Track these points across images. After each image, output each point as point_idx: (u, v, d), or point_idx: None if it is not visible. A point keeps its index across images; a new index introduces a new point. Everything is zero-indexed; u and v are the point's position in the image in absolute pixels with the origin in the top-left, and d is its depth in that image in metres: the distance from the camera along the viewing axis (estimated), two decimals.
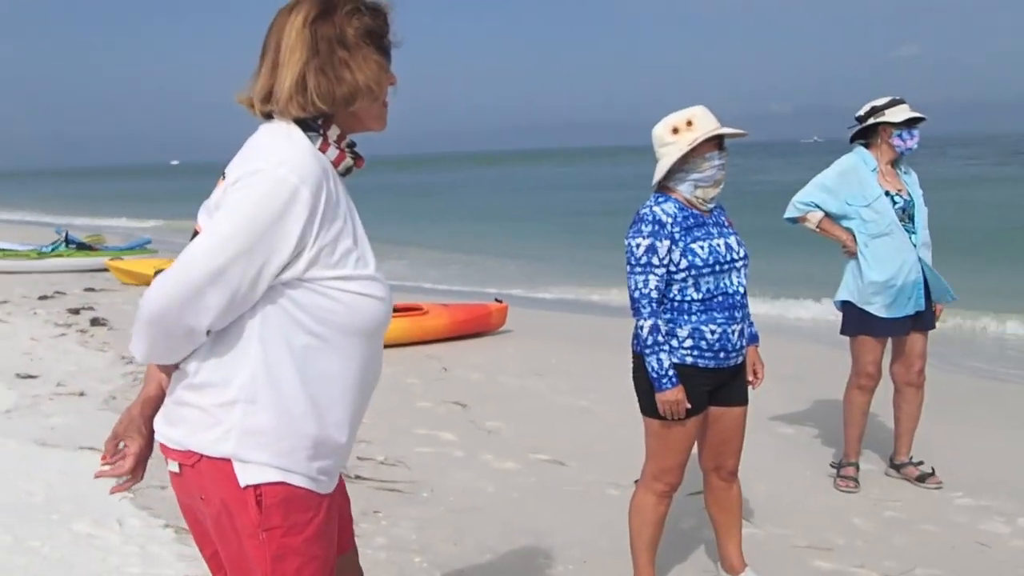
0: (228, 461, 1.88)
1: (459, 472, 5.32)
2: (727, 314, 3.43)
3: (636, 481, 5.03)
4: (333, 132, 1.97)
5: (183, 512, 2.08)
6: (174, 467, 1.97)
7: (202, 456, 1.90)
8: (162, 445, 2.00)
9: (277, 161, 1.83)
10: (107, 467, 2.03)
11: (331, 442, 1.96)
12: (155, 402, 2.05)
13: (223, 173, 1.94)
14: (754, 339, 3.66)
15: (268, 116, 1.97)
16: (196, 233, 1.91)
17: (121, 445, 2.03)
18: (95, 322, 10.20)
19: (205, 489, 1.92)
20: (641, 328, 3.41)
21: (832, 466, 5.29)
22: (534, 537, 4.37)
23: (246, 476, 1.88)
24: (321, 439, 1.93)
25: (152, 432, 2.04)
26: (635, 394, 3.59)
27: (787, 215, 5.07)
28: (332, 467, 2.00)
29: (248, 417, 1.88)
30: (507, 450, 5.70)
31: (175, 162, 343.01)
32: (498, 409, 6.67)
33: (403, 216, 28.97)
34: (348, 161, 1.99)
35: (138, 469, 2.04)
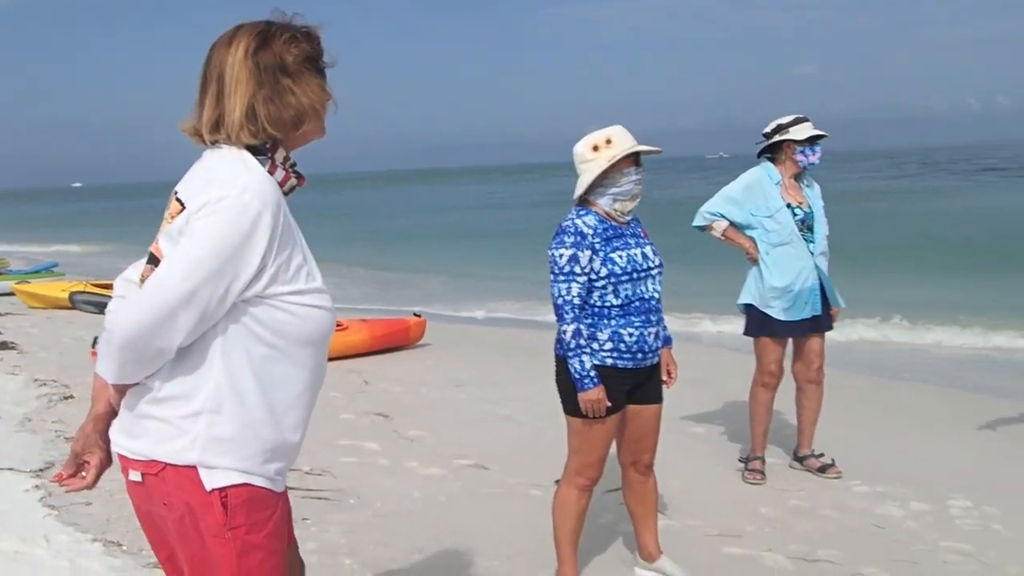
0: (194, 468, 2.00)
1: (385, 479, 5.47)
2: (644, 318, 3.68)
3: (557, 481, 5.27)
4: (280, 155, 2.10)
5: (140, 519, 2.18)
6: (135, 476, 2.07)
7: (167, 465, 2.01)
8: (122, 457, 2.10)
9: (241, 187, 1.95)
10: (71, 482, 2.17)
11: (287, 444, 2.10)
12: (106, 418, 2.16)
13: (175, 197, 2.06)
14: (668, 341, 3.92)
15: (214, 144, 2.08)
16: (153, 256, 2.04)
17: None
18: (4, 345, 10.01)
19: (169, 495, 2.03)
20: (564, 332, 3.63)
21: (740, 460, 5.62)
22: (461, 537, 4.55)
23: (212, 481, 2.00)
24: (278, 442, 2.07)
25: (108, 445, 2.15)
26: (558, 396, 3.81)
27: (695, 223, 5.39)
28: (286, 467, 2.14)
29: (213, 427, 2.00)
30: (431, 457, 5.87)
31: (77, 184, 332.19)
32: (420, 419, 6.84)
33: (319, 235, 28.79)
34: (292, 181, 2.13)
35: (97, 481, 2.19)
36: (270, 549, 2.07)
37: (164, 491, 2.03)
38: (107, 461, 2.18)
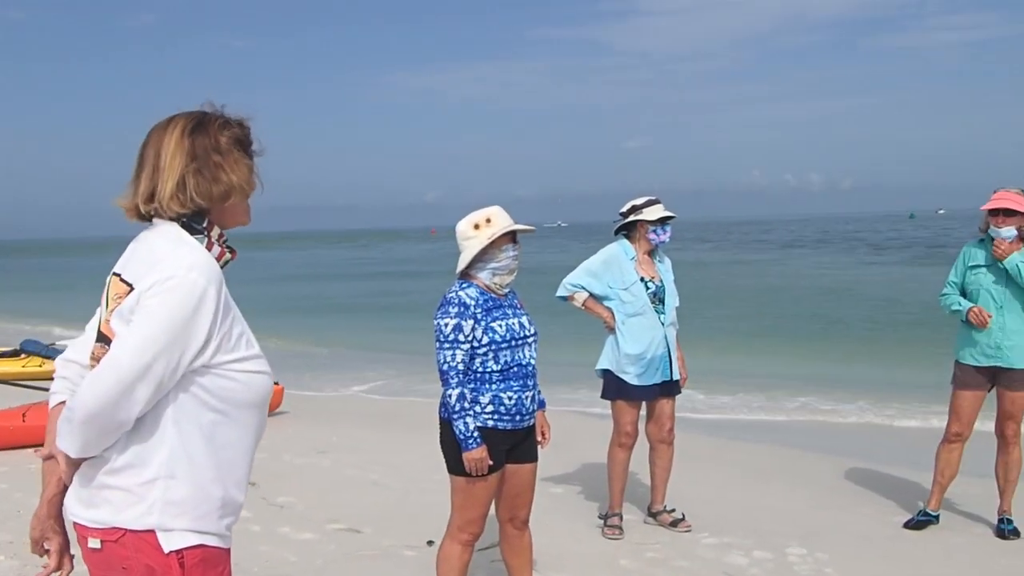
0: (152, 532, 2.15)
1: (259, 545, 5.53)
2: (521, 382, 4.02)
3: (430, 542, 5.53)
4: (215, 232, 2.29)
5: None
6: (95, 544, 2.19)
7: (127, 531, 2.15)
8: (81, 526, 2.22)
9: (187, 267, 2.13)
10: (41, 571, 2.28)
11: (234, 500, 2.28)
12: (58, 500, 2.28)
13: (119, 279, 2.23)
14: (542, 404, 4.26)
15: (148, 217, 2.26)
16: (103, 335, 2.21)
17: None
18: None
19: (128, 560, 2.16)
20: (449, 396, 3.93)
21: (599, 517, 6.00)
22: None
23: (169, 543, 2.16)
24: (227, 499, 2.25)
25: (63, 526, 2.29)
26: (442, 456, 4.08)
27: (558, 294, 5.82)
28: (233, 522, 2.32)
29: (169, 491, 2.15)
30: (303, 522, 5.97)
31: None
32: (287, 485, 6.91)
33: None
34: (227, 255, 2.31)
35: (65, 561, 2.29)
36: None
37: (124, 556, 2.17)
38: (66, 543, 2.30)
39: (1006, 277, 5.62)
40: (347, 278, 40.32)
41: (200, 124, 2.27)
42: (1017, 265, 5.53)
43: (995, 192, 5.79)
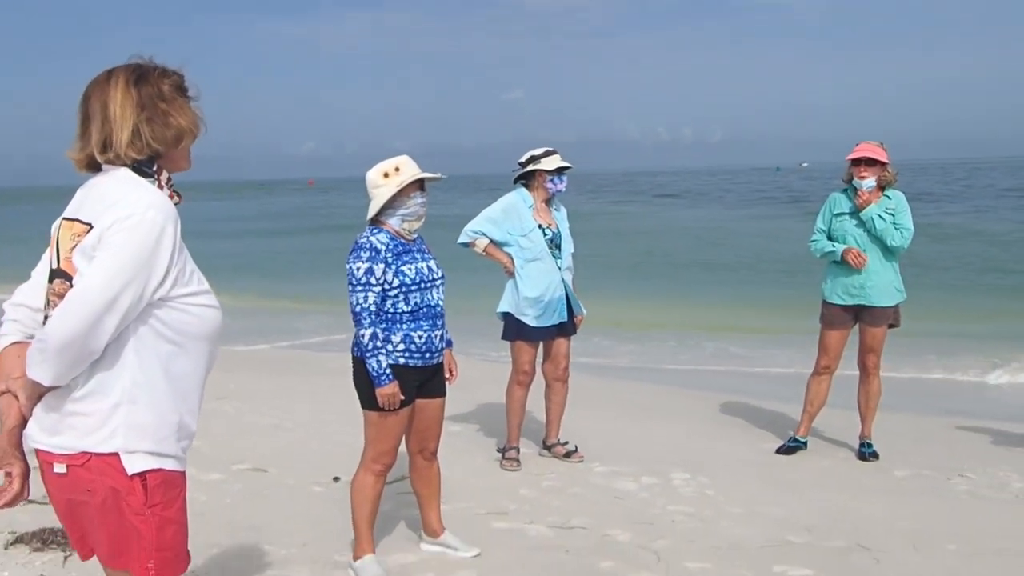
0: (116, 455, 2.32)
1: None
2: (431, 322, 4.26)
3: (336, 479, 5.75)
4: (164, 176, 2.43)
5: (59, 507, 2.48)
6: (60, 468, 2.35)
7: (92, 455, 2.32)
8: (45, 453, 2.37)
9: (146, 205, 2.28)
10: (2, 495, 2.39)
11: (188, 426, 2.48)
12: (18, 430, 2.40)
13: (76, 220, 2.35)
14: (449, 344, 4.51)
15: (99, 166, 2.40)
16: (63, 272, 2.33)
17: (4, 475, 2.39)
18: None
19: (93, 482, 2.33)
20: (363, 336, 4.14)
21: (498, 451, 6.32)
22: (255, 532, 4.87)
23: (132, 466, 2.33)
24: (183, 425, 2.44)
25: (23, 454, 2.41)
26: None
27: (459, 240, 6.06)
28: (188, 446, 2.52)
29: (131, 416, 2.32)
30: (209, 464, 6.07)
31: None
32: None
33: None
34: (175, 198, 2.44)
35: (24, 487, 2.41)
36: (180, 522, 2.48)
37: (88, 479, 2.34)
38: (27, 468, 2.42)
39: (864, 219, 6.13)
40: (230, 236, 39.51)
41: (142, 75, 2.40)
42: (872, 217, 6.06)
43: (858, 144, 6.28)
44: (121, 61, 2.47)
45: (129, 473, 2.33)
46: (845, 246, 6.14)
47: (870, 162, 6.12)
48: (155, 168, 2.42)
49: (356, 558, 4.34)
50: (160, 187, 2.41)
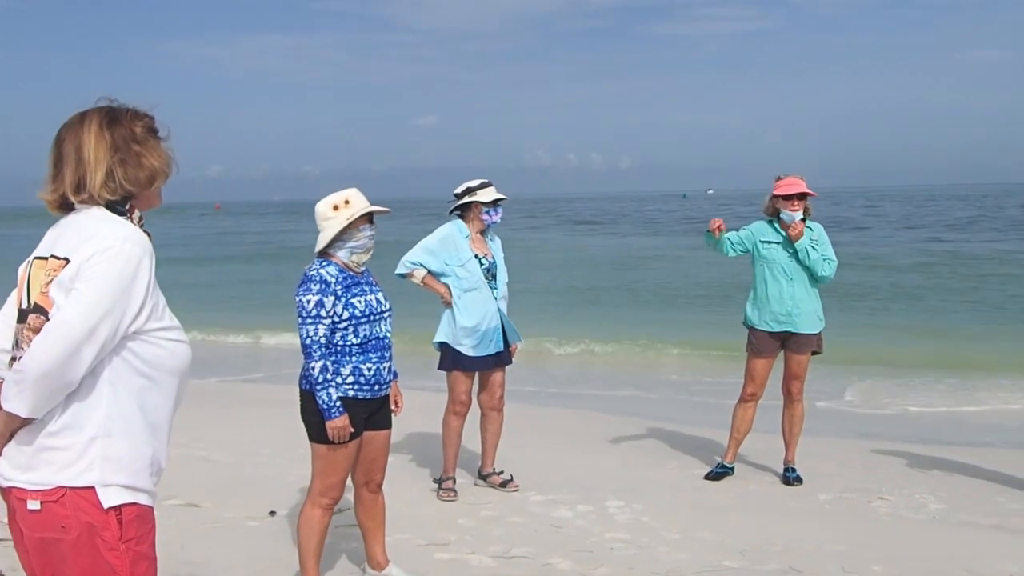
0: (92, 489, 2.32)
1: None
2: (379, 354, 4.28)
3: (272, 513, 5.70)
4: (136, 216, 2.49)
5: (30, 546, 2.42)
6: (34, 505, 2.34)
7: (67, 489, 2.32)
8: (18, 490, 2.36)
9: (123, 238, 2.34)
10: None
11: (160, 461, 2.50)
12: None
13: (50, 256, 2.39)
14: (395, 375, 4.53)
15: (72, 206, 2.44)
16: (38, 307, 2.35)
17: None
18: None
19: (67, 518, 2.33)
20: (312, 368, 4.13)
21: (434, 481, 6.33)
22: (194, 567, 4.80)
23: (108, 500, 2.34)
24: (155, 458, 2.47)
25: None
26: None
27: (397, 271, 6.08)
28: (158, 481, 2.53)
29: (107, 448, 2.34)
30: None
31: None
32: None
33: None
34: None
35: None
36: (152, 557, 2.48)
37: (63, 515, 2.33)
38: None
39: (796, 253, 6.36)
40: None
41: (114, 118, 2.45)
42: (805, 248, 6.30)
43: (780, 179, 6.50)
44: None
45: (105, 507, 2.34)
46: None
47: (801, 196, 6.36)
48: (128, 207, 2.47)
49: None
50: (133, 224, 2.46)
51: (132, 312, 2.33)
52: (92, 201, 2.42)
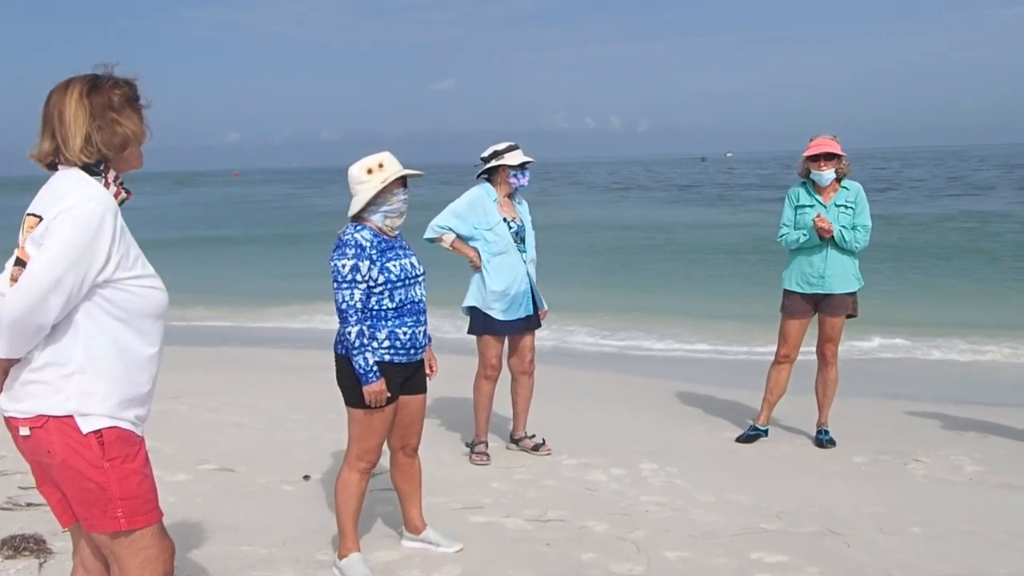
0: (71, 417, 2.59)
1: None
2: (414, 319, 4.25)
3: (306, 477, 5.72)
4: (111, 175, 2.72)
5: (33, 469, 2.77)
6: (25, 432, 2.64)
7: (49, 418, 2.59)
8: (12, 419, 2.67)
9: (87, 197, 2.57)
10: None
11: (140, 395, 2.72)
12: None
13: (29, 215, 2.64)
14: (430, 340, 4.51)
15: (55, 166, 2.69)
16: (20, 260, 2.61)
17: None
18: None
19: (51, 443, 2.60)
20: (349, 334, 4.11)
21: (466, 445, 6.34)
22: (231, 531, 4.83)
23: (87, 426, 2.59)
24: (134, 394, 2.69)
25: None
26: (339, 390, 4.27)
27: (426, 236, 6.04)
28: (144, 414, 2.77)
29: (83, 384, 2.60)
30: (173, 465, 5.99)
31: None
32: (149, 431, 6.81)
33: None
34: (123, 195, 2.75)
35: None
36: (144, 473, 2.74)
37: (48, 440, 2.61)
38: None
39: (829, 214, 6.27)
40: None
41: (95, 86, 2.68)
42: (841, 232, 6.20)
43: (812, 140, 6.42)
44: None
45: (84, 432, 2.59)
46: (806, 227, 6.25)
47: (828, 156, 6.27)
48: (103, 168, 2.71)
49: (341, 556, 4.32)
50: (107, 184, 2.69)
51: (98, 264, 2.56)
52: (70, 163, 2.66)
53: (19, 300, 2.50)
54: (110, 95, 2.67)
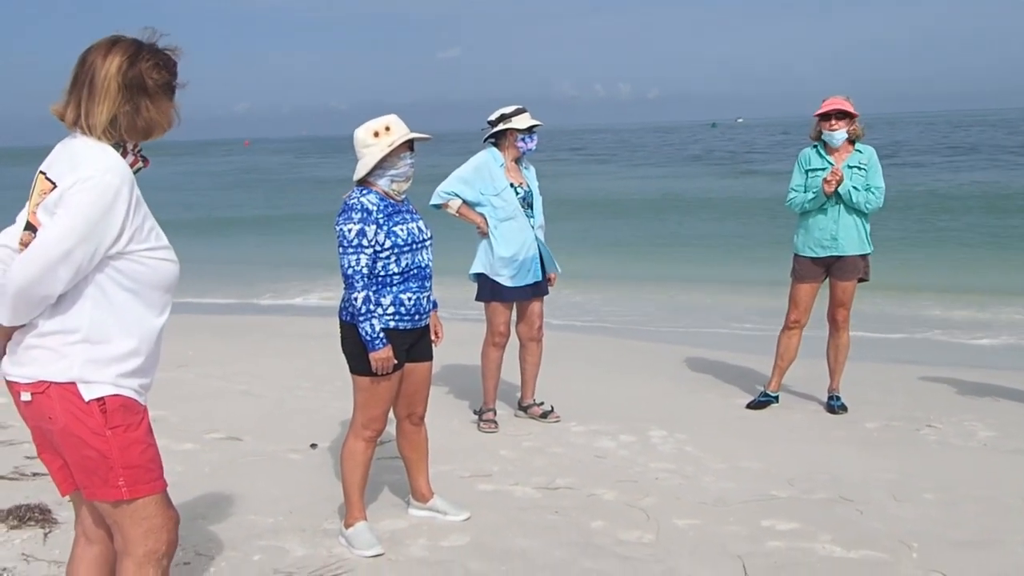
0: (73, 384, 2.54)
1: None
2: (420, 284, 4.18)
3: (313, 445, 5.68)
4: (130, 144, 2.64)
5: (34, 434, 2.74)
6: (26, 396, 2.59)
7: (51, 384, 2.54)
8: (14, 383, 2.62)
9: (104, 169, 2.48)
10: None
11: (144, 366, 2.66)
12: None
13: (44, 176, 2.57)
14: (435, 305, 4.44)
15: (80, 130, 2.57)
16: (30, 225, 2.56)
17: None
18: None
19: (53, 410, 2.55)
20: (355, 300, 4.04)
21: (474, 412, 6.29)
22: (238, 500, 4.80)
23: (89, 393, 2.54)
24: (138, 364, 2.62)
25: None
26: (344, 357, 4.21)
27: (432, 202, 5.95)
28: (147, 383, 2.71)
29: (88, 352, 2.54)
30: (180, 434, 5.96)
31: None
32: (155, 399, 6.76)
33: None
34: (140, 164, 2.66)
35: None
36: (148, 442, 2.69)
37: (50, 406, 2.56)
38: None
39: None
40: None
41: (134, 63, 2.57)
42: (848, 191, 6.09)
43: (825, 100, 6.30)
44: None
45: (86, 399, 2.53)
46: (816, 188, 6.15)
47: (840, 115, 6.15)
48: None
49: (348, 525, 4.28)
50: (125, 153, 2.60)
51: (111, 237, 2.49)
52: (91, 133, 2.57)
53: (27, 269, 2.44)
54: (148, 77, 2.57)
